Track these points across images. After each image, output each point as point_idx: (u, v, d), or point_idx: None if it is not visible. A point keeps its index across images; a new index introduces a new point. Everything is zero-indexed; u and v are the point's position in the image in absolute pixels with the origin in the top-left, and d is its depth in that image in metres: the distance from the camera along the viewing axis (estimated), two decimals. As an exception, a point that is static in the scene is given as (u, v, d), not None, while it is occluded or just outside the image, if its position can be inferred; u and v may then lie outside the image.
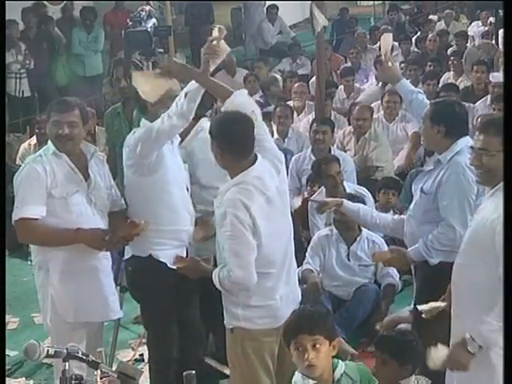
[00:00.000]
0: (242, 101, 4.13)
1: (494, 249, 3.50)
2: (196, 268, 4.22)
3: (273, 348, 4.07)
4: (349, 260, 5.96)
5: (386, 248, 5.65)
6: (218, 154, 3.93)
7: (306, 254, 5.96)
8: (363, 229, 5.89)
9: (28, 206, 4.19)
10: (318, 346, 3.47)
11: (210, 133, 3.99)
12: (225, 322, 4.11)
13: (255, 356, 4.02)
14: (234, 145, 3.90)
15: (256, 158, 3.96)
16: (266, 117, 7.47)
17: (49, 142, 4.36)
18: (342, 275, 5.96)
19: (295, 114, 9.10)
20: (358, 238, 5.95)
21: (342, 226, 5.91)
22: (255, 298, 3.98)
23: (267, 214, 3.91)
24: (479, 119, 6.29)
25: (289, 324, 3.59)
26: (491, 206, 3.61)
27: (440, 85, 10.04)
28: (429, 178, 4.53)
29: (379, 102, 9.29)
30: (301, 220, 6.59)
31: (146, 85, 4.35)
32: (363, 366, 3.70)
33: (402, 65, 10.48)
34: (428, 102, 4.83)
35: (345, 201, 4.90)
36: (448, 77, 10.37)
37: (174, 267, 4.33)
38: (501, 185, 3.58)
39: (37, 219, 4.20)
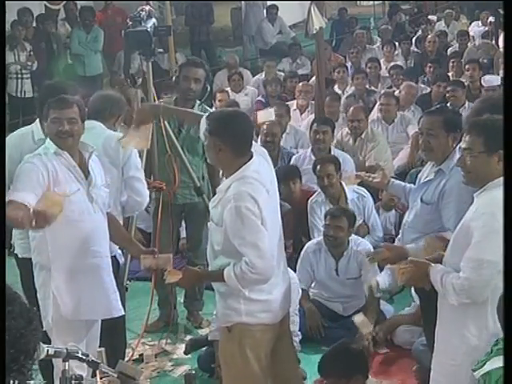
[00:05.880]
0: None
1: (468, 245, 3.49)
2: (194, 276, 4.20)
3: (268, 346, 4.08)
4: (337, 275, 5.89)
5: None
6: (220, 150, 3.88)
7: (297, 268, 5.90)
8: (351, 241, 5.86)
9: (18, 193, 4.07)
10: None
11: (208, 130, 3.93)
12: (220, 321, 4.13)
13: (252, 354, 4.01)
14: (237, 140, 3.87)
15: (252, 155, 3.95)
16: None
17: (47, 141, 4.34)
18: (332, 288, 5.95)
19: (298, 113, 9.23)
20: (345, 253, 5.86)
21: (332, 241, 5.84)
22: (257, 293, 3.96)
23: (269, 207, 3.90)
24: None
25: None
26: (473, 207, 3.58)
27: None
28: (429, 188, 4.49)
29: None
30: (299, 220, 6.61)
31: (134, 141, 4.83)
32: None
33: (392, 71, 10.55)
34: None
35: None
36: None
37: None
38: (485, 187, 3.54)
39: (25, 205, 4.00)
